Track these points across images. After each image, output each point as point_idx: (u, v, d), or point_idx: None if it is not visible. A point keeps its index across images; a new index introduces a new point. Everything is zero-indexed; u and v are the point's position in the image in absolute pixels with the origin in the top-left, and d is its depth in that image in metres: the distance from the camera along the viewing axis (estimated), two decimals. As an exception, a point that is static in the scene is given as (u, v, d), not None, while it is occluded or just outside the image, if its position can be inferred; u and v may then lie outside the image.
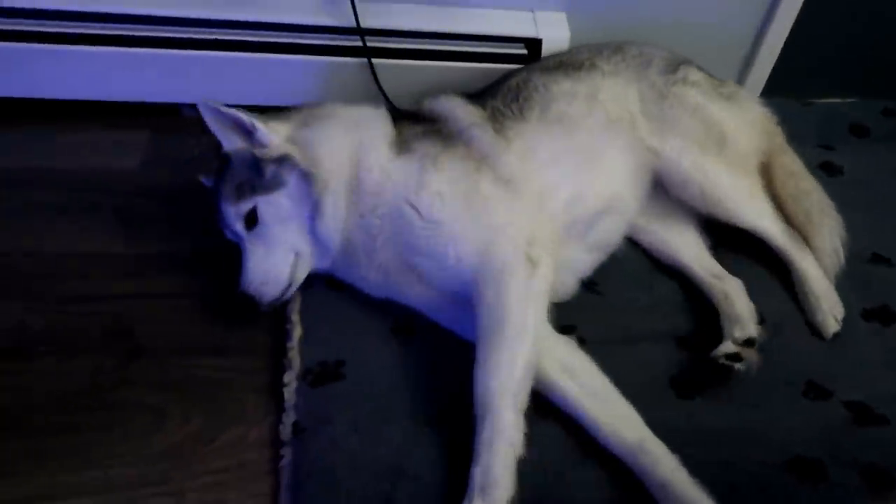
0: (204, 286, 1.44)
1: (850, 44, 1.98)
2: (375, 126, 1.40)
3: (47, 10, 1.58)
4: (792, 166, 1.61)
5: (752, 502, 1.19)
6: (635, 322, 1.43)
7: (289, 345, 1.34)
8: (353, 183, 1.34)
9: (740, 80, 1.97)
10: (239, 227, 1.34)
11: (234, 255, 1.37)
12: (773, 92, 1.95)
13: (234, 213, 1.34)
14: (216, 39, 1.66)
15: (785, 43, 1.90)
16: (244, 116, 1.34)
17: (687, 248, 1.53)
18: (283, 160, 1.33)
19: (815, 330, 1.44)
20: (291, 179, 1.33)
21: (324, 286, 1.42)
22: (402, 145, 1.36)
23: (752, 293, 1.46)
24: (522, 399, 1.15)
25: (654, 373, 1.35)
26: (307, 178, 1.33)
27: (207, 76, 1.70)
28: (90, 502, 1.15)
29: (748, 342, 1.34)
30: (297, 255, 1.36)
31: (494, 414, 1.12)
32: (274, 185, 1.33)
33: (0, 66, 1.62)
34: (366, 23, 1.65)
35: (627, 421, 1.20)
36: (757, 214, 1.51)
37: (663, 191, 1.52)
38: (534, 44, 1.73)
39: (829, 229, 1.53)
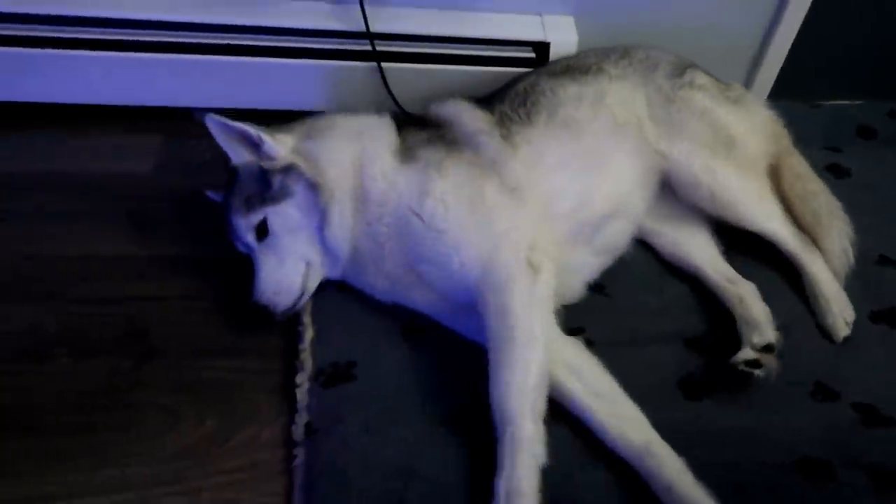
0: (217, 289, 1.46)
1: (858, 46, 1.98)
2: (378, 135, 1.41)
3: (61, 16, 1.61)
4: (799, 168, 1.61)
5: (760, 503, 1.20)
6: (644, 324, 1.44)
7: (301, 346, 1.35)
8: (358, 192, 1.35)
9: (748, 82, 1.98)
10: (250, 238, 1.36)
11: (245, 259, 1.39)
12: (781, 94, 1.96)
13: (244, 226, 1.36)
14: (228, 44, 1.68)
15: (792, 45, 1.90)
16: (251, 129, 1.36)
17: (700, 251, 1.53)
18: (289, 170, 1.35)
19: (825, 333, 1.44)
20: (298, 189, 1.34)
21: (334, 289, 1.44)
22: (406, 153, 1.37)
23: (761, 296, 1.46)
24: (539, 406, 1.15)
25: (663, 374, 1.35)
26: (314, 187, 1.34)
27: (219, 81, 1.72)
28: (106, 501, 1.17)
29: (767, 348, 1.33)
30: (307, 264, 1.37)
31: (514, 425, 1.12)
32: (282, 195, 1.34)
33: (15, 71, 1.65)
34: (375, 27, 1.67)
35: (634, 423, 1.20)
36: (766, 217, 1.51)
37: (675, 194, 1.52)
38: (542, 47, 1.74)
39: (838, 231, 1.53)
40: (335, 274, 1.42)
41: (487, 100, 1.50)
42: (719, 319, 1.46)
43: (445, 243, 1.29)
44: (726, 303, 1.46)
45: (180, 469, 1.21)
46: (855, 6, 1.90)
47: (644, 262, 1.55)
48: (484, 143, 1.38)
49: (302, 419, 1.25)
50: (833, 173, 1.76)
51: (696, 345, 1.41)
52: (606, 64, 1.54)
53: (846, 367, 1.39)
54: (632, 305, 1.47)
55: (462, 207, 1.30)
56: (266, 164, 1.36)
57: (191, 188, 1.60)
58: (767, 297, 1.46)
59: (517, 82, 1.53)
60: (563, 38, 1.74)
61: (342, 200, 1.35)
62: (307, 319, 1.39)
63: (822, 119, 1.94)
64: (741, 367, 1.31)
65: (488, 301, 1.24)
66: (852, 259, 1.52)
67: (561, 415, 1.24)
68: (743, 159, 1.51)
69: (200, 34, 1.67)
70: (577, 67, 1.54)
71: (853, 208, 1.57)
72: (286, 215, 1.35)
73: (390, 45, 1.71)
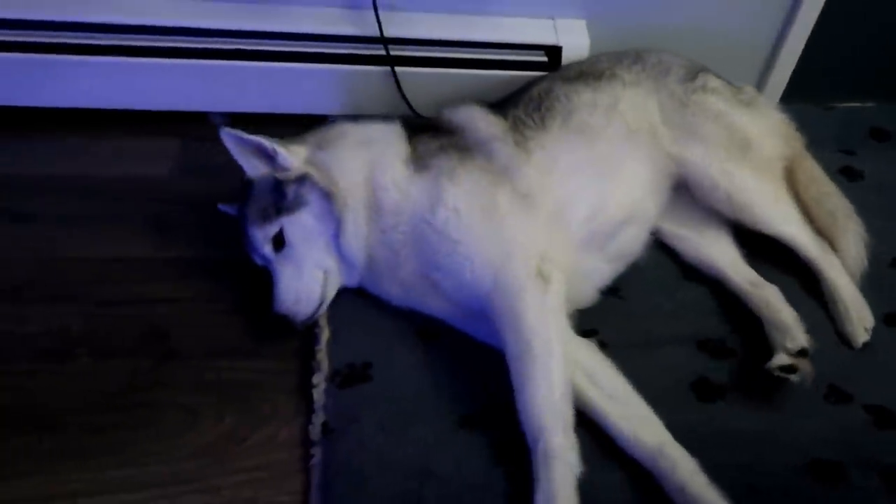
0: (233, 290, 1.48)
1: (871, 47, 1.98)
2: (387, 144, 1.41)
3: (83, 23, 1.63)
4: (813, 171, 1.61)
5: (773, 504, 1.20)
6: (657, 326, 1.44)
7: (317, 347, 1.36)
8: (371, 201, 1.36)
9: (760, 84, 1.98)
10: (267, 249, 1.37)
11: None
12: (793, 96, 1.96)
13: (261, 237, 1.37)
14: (243, 49, 1.70)
15: (805, 47, 1.90)
16: (266, 142, 1.37)
17: (722, 254, 1.53)
18: (303, 180, 1.36)
19: (844, 340, 1.43)
20: (313, 198, 1.35)
21: (350, 292, 1.45)
22: (417, 162, 1.37)
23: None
24: (567, 416, 1.15)
25: (677, 376, 1.36)
26: (328, 196, 1.35)
27: (235, 85, 1.74)
28: (127, 498, 1.18)
29: (801, 352, 1.31)
30: (325, 272, 1.38)
31: (545, 440, 1.12)
32: (297, 205, 1.35)
33: (35, 77, 1.68)
34: (389, 32, 1.68)
35: (647, 425, 1.20)
36: (783, 220, 1.51)
37: (693, 197, 1.52)
38: (554, 51, 1.75)
39: (854, 233, 1.53)
40: (352, 282, 1.43)
41: (500, 104, 1.51)
42: (733, 322, 1.46)
43: (459, 252, 1.29)
44: (751, 306, 1.45)
45: (199, 467, 1.22)
46: (867, 8, 1.90)
47: (658, 264, 1.55)
48: (497, 150, 1.39)
49: (319, 419, 1.26)
50: (846, 176, 1.76)
51: (709, 347, 1.42)
52: (619, 69, 1.54)
53: (859, 370, 1.39)
54: (646, 308, 1.48)
55: (474, 216, 1.30)
56: (280, 175, 1.37)
57: (207, 191, 1.62)
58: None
59: (531, 87, 1.54)
60: (575, 41, 1.75)
61: (356, 209, 1.36)
62: (323, 321, 1.40)
63: (834, 121, 1.94)
64: (777, 373, 1.29)
65: (501, 312, 1.24)
66: (866, 262, 1.52)
67: (575, 416, 1.23)
68: (759, 161, 1.51)
69: (217, 39, 1.69)
70: (590, 73, 1.54)
71: (866, 211, 1.57)
72: (302, 224, 1.36)
73: (404, 50, 1.73)
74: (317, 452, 1.22)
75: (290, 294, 1.34)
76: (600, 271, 1.45)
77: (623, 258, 1.49)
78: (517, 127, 1.43)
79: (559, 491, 1.09)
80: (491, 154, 1.38)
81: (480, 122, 1.44)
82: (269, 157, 1.39)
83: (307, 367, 1.35)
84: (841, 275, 1.49)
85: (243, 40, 1.70)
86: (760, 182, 1.49)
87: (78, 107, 1.76)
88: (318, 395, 1.30)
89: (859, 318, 1.44)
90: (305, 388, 1.32)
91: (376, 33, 1.68)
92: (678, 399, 1.32)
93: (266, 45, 1.71)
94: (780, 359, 1.31)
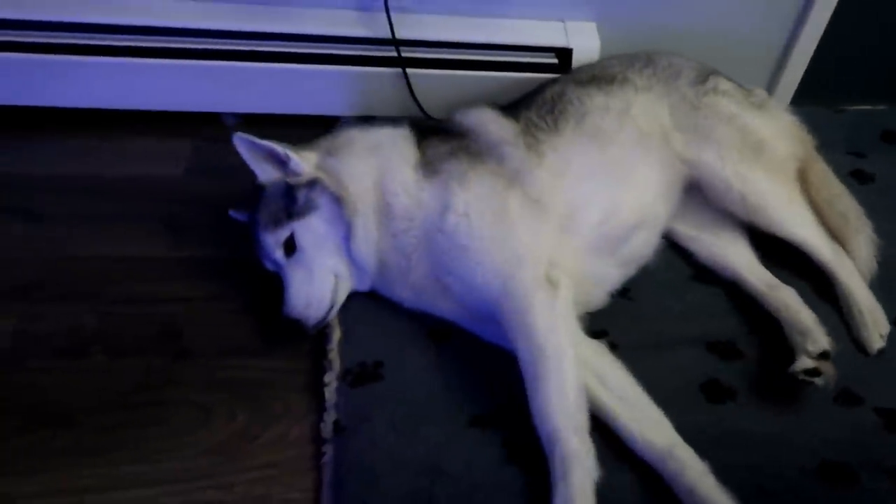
0: (245, 290, 1.49)
1: (882, 50, 1.98)
2: (396, 149, 1.42)
3: (98, 24, 1.65)
4: (824, 173, 1.61)
5: (782, 506, 1.20)
6: (667, 328, 1.44)
7: (329, 347, 1.37)
8: (381, 206, 1.37)
9: (771, 86, 1.98)
10: (278, 254, 1.37)
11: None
12: (804, 99, 1.96)
13: (272, 242, 1.37)
14: (256, 51, 1.71)
15: (815, 50, 1.90)
16: (278, 147, 1.38)
17: (738, 256, 1.52)
18: (313, 184, 1.37)
19: (859, 346, 1.42)
20: (323, 202, 1.36)
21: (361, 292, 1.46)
22: (427, 166, 1.37)
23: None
24: (582, 421, 1.15)
25: (686, 378, 1.36)
26: (338, 200, 1.36)
27: (247, 86, 1.76)
28: (140, 494, 1.20)
29: (823, 355, 1.30)
30: (336, 276, 1.38)
31: (561, 445, 1.12)
32: (307, 209, 1.36)
33: (49, 78, 1.69)
34: (400, 34, 1.69)
35: (657, 426, 1.21)
36: (798, 222, 1.50)
37: (708, 201, 1.52)
38: (564, 53, 1.76)
39: (865, 236, 1.52)
40: (364, 286, 1.44)
41: (511, 107, 1.51)
42: (743, 324, 1.46)
43: (469, 257, 1.29)
44: (768, 309, 1.44)
45: (212, 464, 1.24)
46: (879, 10, 1.89)
47: (668, 266, 1.55)
48: (508, 153, 1.39)
49: (330, 417, 1.27)
50: (857, 178, 1.75)
51: (719, 349, 1.42)
52: (631, 73, 1.54)
53: (870, 372, 1.39)
54: (656, 309, 1.48)
55: (485, 221, 1.30)
56: (291, 180, 1.38)
57: (219, 191, 1.63)
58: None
59: (543, 90, 1.54)
60: (585, 44, 1.76)
61: (365, 214, 1.37)
62: (334, 321, 1.41)
63: (845, 124, 1.93)
64: (801, 377, 1.27)
65: (511, 318, 1.24)
66: (876, 264, 1.51)
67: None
68: (772, 163, 1.50)
69: (229, 41, 1.70)
70: (602, 77, 1.54)
71: (876, 214, 1.56)
72: (313, 229, 1.36)
73: (415, 52, 1.74)
74: (328, 450, 1.23)
75: (301, 298, 1.35)
76: (611, 275, 1.45)
77: (634, 262, 1.49)
78: (529, 130, 1.43)
79: (578, 496, 1.08)
80: (502, 157, 1.39)
81: (492, 124, 1.44)
82: (281, 162, 1.40)
83: (319, 366, 1.36)
84: (856, 279, 1.48)
85: (256, 42, 1.71)
86: (774, 184, 1.49)
87: (92, 107, 1.77)
88: (330, 393, 1.31)
89: (875, 324, 1.43)
90: (317, 386, 1.33)
91: (388, 35, 1.69)
92: (688, 400, 1.32)
93: (278, 46, 1.72)
94: (804, 362, 1.29)
